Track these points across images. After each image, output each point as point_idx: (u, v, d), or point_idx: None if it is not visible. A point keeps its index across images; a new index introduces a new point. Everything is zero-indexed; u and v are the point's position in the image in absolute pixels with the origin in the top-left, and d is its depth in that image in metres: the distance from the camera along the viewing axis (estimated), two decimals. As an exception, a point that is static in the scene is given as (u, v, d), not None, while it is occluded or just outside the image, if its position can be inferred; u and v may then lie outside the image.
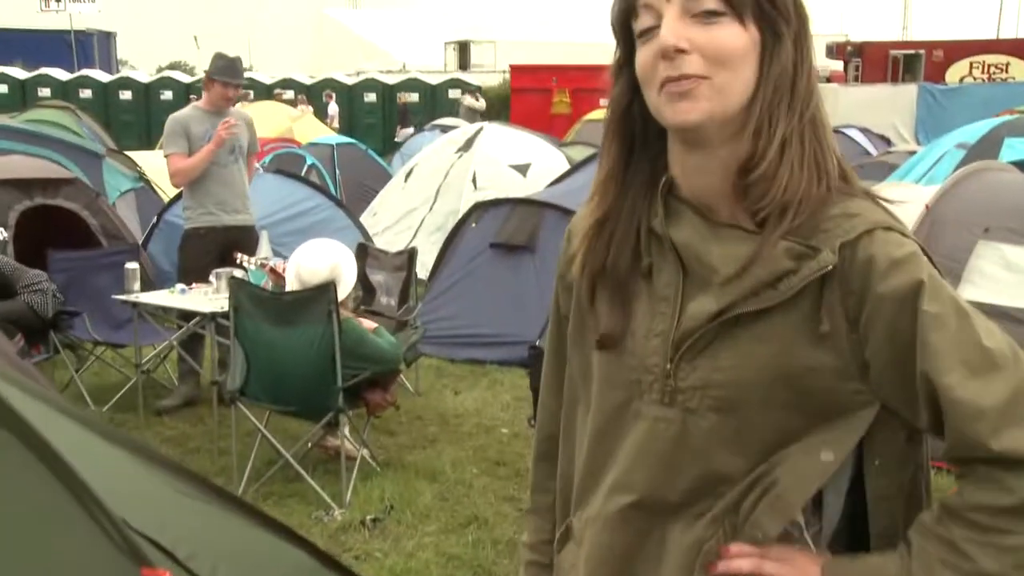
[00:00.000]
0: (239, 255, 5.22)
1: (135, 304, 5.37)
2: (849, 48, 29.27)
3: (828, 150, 1.21)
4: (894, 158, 11.16)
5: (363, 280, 6.59)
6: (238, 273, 5.12)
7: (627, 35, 1.23)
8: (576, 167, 9.11)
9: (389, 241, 9.55)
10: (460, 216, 8.48)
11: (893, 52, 28.98)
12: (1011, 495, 1.12)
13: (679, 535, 1.24)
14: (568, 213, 6.74)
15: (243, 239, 5.72)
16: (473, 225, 7.53)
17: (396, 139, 21.92)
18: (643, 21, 1.19)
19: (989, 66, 28.71)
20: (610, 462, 1.30)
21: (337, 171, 12.64)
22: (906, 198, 5.54)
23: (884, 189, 5.98)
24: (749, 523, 1.20)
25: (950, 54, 28.71)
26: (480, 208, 7.65)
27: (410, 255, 6.28)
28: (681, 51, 1.14)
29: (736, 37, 1.16)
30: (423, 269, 8.51)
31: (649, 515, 1.26)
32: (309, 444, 4.95)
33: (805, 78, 1.19)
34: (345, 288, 4.51)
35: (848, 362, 1.17)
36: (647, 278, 1.25)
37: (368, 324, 4.70)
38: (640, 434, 1.26)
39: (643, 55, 1.19)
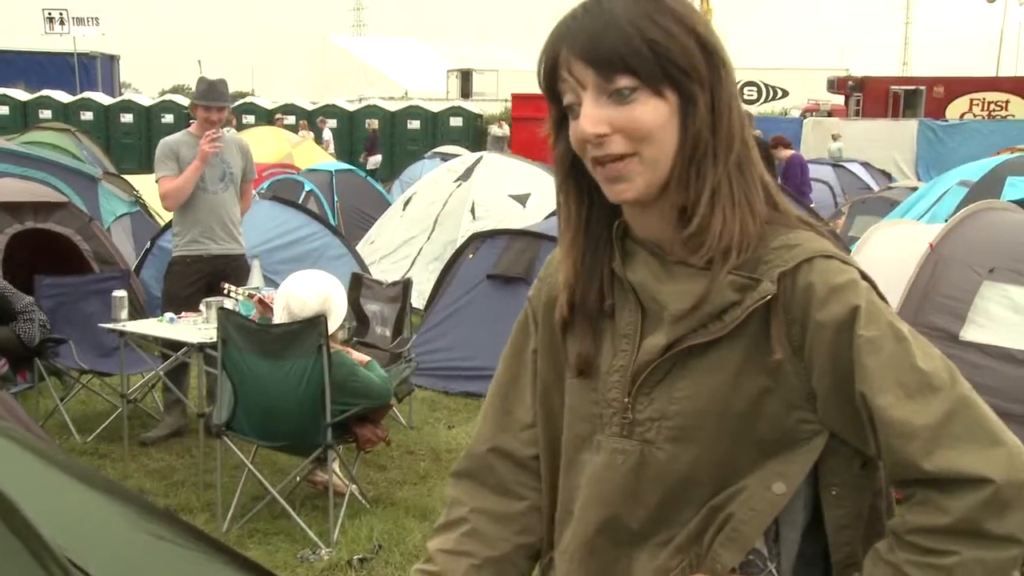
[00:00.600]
0: (226, 285, 5.12)
1: (122, 333, 5.26)
2: (850, 83, 29.37)
3: (755, 186, 1.23)
4: (895, 193, 11.12)
5: (357, 310, 6.49)
6: (228, 303, 5.02)
7: (557, 97, 1.24)
8: (575, 198, 9.03)
9: (386, 270, 9.46)
10: (458, 246, 8.41)
11: (894, 87, 29.06)
12: (946, 515, 1.12)
13: (645, 563, 1.26)
14: (566, 245, 6.66)
15: (231, 268, 5.62)
16: (470, 256, 7.44)
17: (366, 167, 21.89)
18: (567, 97, 1.22)
19: (989, 103, 28.81)
20: (576, 495, 1.33)
21: (336, 198, 12.57)
22: (910, 236, 5.46)
23: (887, 227, 5.91)
24: (710, 556, 1.23)
25: (951, 90, 28.81)
26: (477, 239, 7.56)
27: (405, 286, 6.17)
28: (603, 135, 1.18)
29: (654, 111, 1.18)
30: (420, 299, 8.41)
31: (614, 545, 1.28)
32: (297, 479, 4.84)
33: (726, 123, 1.21)
34: (336, 320, 4.42)
35: (795, 390, 1.20)
36: (611, 318, 1.30)
37: (360, 358, 4.59)
38: (599, 466, 1.29)
39: (572, 130, 1.22)
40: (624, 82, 1.16)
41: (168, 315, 5.31)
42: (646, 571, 1.26)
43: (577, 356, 1.31)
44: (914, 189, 10.91)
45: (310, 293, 4.41)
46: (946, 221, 7.59)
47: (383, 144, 28.93)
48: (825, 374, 1.18)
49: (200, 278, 5.60)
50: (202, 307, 5.27)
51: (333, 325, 4.35)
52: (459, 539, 1.41)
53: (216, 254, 5.63)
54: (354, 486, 4.72)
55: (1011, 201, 6.71)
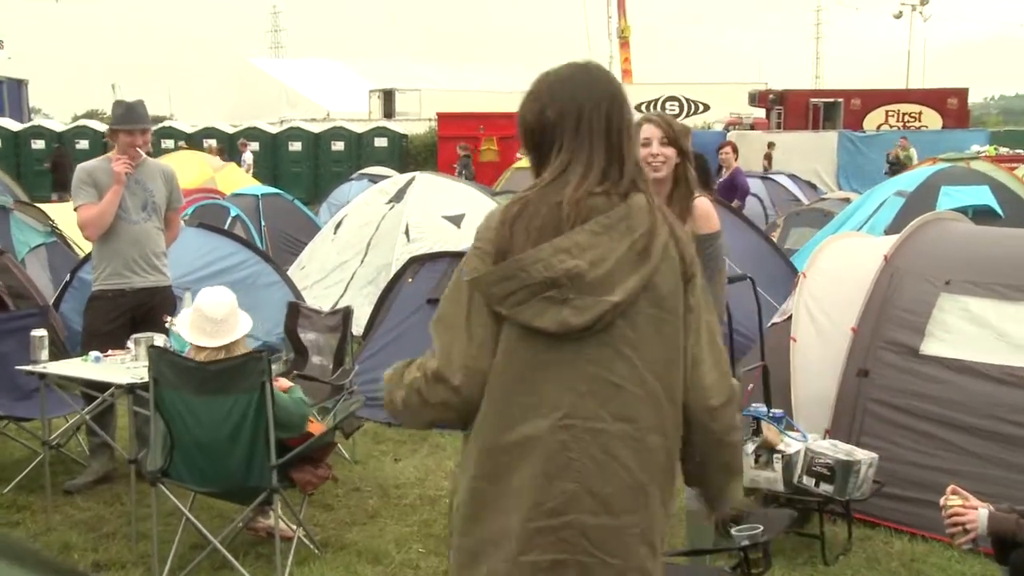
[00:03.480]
0: (168, 318, 4.81)
1: (43, 375, 4.88)
2: (771, 96, 29.87)
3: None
4: (829, 205, 11.19)
5: (294, 340, 6.20)
6: (159, 339, 4.69)
7: None
8: (514, 218, 8.85)
9: (318, 296, 9.14)
10: (393, 269, 8.15)
11: (813, 100, 29.65)
12: None
13: None
14: (509, 266, 6.44)
15: (156, 301, 5.28)
16: (409, 280, 7.19)
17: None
18: None
19: (904, 115, 29.59)
20: None
21: (263, 222, 12.20)
22: (862, 248, 5.39)
23: (837, 239, 5.84)
24: None
25: (867, 103, 29.51)
26: (416, 263, 7.32)
27: (345, 315, 5.91)
28: None
29: None
30: (356, 325, 8.11)
31: None
32: (240, 525, 4.52)
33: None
34: (243, 329, 4.30)
35: None
36: None
37: (281, 384, 4.30)
38: None
39: None
40: None
41: (93, 354, 4.94)
42: None
43: None
44: (847, 200, 11.01)
45: (220, 296, 4.29)
46: (884, 231, 7.62)
47: (308, 164, 28.49)
48: None
49: (123, 313, 5.25)
50: (130, 344, 4.93)
51: (242, 330, 4.27)
52: None
53: (139, 287, 5.28)
54: (301, 530, 4.43)
55: (951, 210, 6.73)
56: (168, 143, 26.88)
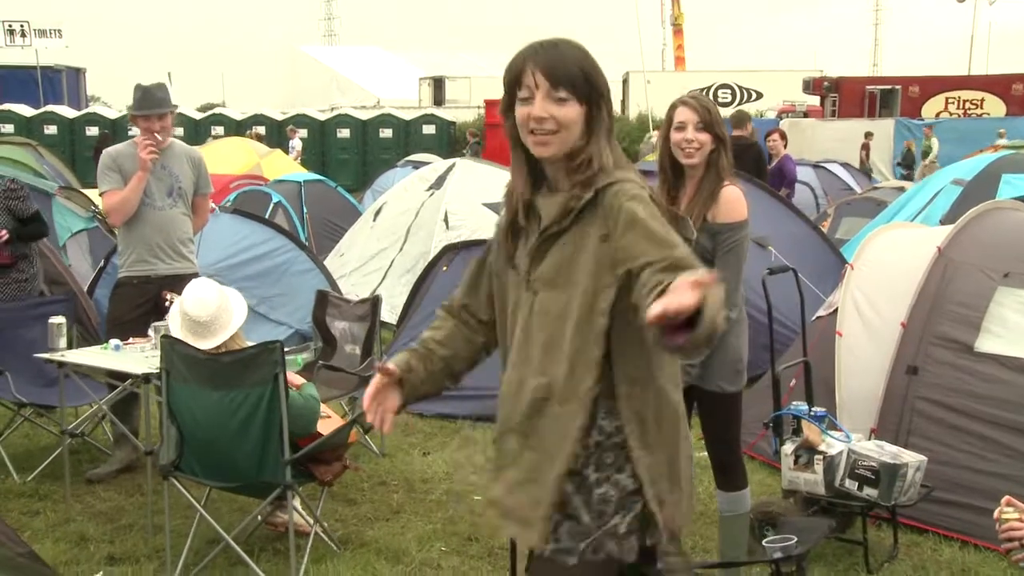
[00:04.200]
0: (168, 295, 4.67)
1: (61, 363, 4.79)
2: (826, 83, 29.20)
3: (611, 152, 2.15)
4: (881, 194, 10.81)
5: (323, 330, 6.07)
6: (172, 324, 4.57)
7: (512, 91, 2.14)
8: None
9: (357, 283, 9.04)
10: (431, 258, 8.00)
11: (869, 87, 28.93)
12: None
13: (530, 380, 2.19)
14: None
15: (181, 289, 5.15)
16: (444, 268, 7.04)
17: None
18: (523, 92, 2.12)
19: (964, 102, 28.74)
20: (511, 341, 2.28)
21: (304, 209, 12.15)
22: (914, 239, 5.10)
23: (886, 230, 5.55)
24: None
25: (926, 89, 28.72)
26: (451, 251, 7.16)
27: (374, 303, 5.76)
28: (543, 119, 2.09)
29: (574, 112, 2.10)
30: (392, 313, 7.98)
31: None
32: (259, 518, 4.40)
33: (607, 120, 2.15)
34: (236, 323, 4.12)
35: (606, 255, 2.07)
36: (526, 228, 2.21)
37: (294, 380, 4.13)
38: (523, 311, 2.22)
39: (520, 112, 2.12)
40: (563, 94, 2.08)
41: (113, 342, 4.85)
42: (529, 384, 2.15)
43: (508, 248, 2.24)
44: (900, 189, 10.62)
45: (204, 294, 4.12)
46: (940, 222, 7.28)
47: (356, 151, 28.52)
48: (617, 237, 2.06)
49: (147, 300, 5.13)
50: (151, 332, 4.82)
51: (235, 325, 4.11)
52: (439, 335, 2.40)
53: (164, 274, 5.17)
54: (319, 526, 4.29)
55: (1012, 199, 6.39)
56: (218, 130, 27.06)
